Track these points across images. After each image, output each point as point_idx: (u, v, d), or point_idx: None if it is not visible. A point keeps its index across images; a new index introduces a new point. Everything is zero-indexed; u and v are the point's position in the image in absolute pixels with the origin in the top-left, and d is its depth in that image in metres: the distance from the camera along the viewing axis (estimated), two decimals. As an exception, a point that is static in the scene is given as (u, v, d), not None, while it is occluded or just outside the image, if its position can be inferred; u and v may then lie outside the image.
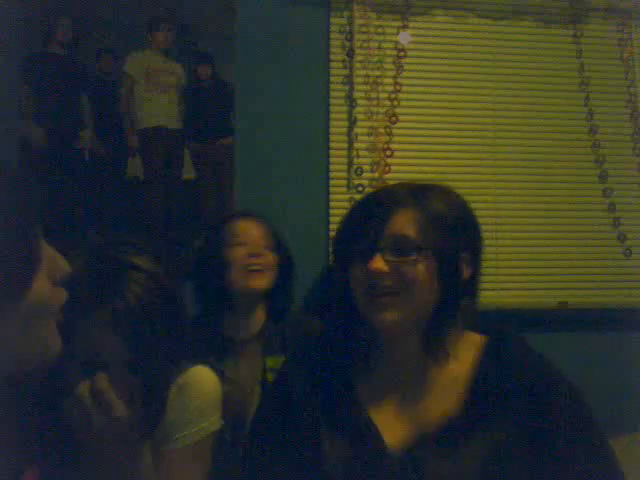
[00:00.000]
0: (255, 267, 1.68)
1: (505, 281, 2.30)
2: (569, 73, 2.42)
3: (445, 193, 1.03)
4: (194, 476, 1.03)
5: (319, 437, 0.95)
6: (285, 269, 1.79)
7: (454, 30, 2.37)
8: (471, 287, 1.02)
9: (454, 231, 0.98)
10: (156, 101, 3.75)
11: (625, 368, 2.21)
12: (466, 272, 1.00)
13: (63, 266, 0.70)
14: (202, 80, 3.95)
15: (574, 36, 2.42)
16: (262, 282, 1.69)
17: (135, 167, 3.80)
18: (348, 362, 1.04)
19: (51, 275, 0.68)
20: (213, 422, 1.09)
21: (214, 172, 3.93)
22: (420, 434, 0.92)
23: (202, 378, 1.10)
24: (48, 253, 0.69)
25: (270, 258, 1.73)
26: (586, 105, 2.41)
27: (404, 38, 2.32)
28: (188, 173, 4.11)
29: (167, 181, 3.77)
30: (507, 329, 1.04)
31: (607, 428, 0.96)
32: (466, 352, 1.00)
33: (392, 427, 0.95)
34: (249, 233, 1.73)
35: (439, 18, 2.37)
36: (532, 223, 2.34)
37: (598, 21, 2.44)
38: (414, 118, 2.32)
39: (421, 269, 0.94)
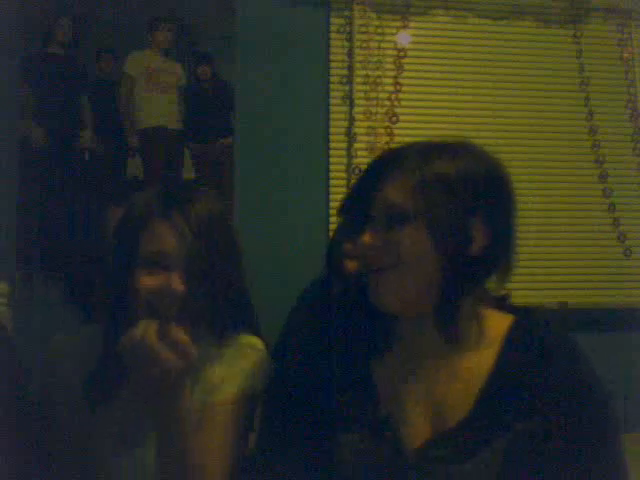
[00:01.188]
0: None
1: (505, 281, 2.29)
2: (569, 73, 2.42)
3: (456, 150, 0.88)
4: (232, 436, 1.02)
5: (332, 427, 0.88)
6: None
7: (454, 30, 2.37)
8: (491, 260, 0.87)
9: (456, 194, 0.84)
10: (156, 101, 3.75)
11: (625, 368, 2.21)
12: (478, 242, 0.85)
13: None
14: (202, 80, 3.95)
15: (574, 36, 2.42)
16: None
17: (135, 167, 3.80)
18: (364, 342, 0.94)
19: None
20: (257, 388, 1.07)
21: (214, 172, 3.92)
22: (438, 430, 0.85)
23: (255, 344, 1.11)
24: None
25: None
26: (586, 105, 2.41)
27: (403, 39, 2.32)
28: (188, 173, 4.11)
29: (167, 181, 3.77)
30: (535, 310, 0.94)
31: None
32: (489, 335, 0.89)
33: (409, 421, 0.87)
34: None
35: (439, 18, 2.37)
36: (532, 223, 2.34)
37: (598, 21, 2.44)
38: (414, 118, 2.32)
39: (412, 241, 0.83)
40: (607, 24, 2.45)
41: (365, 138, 2.28)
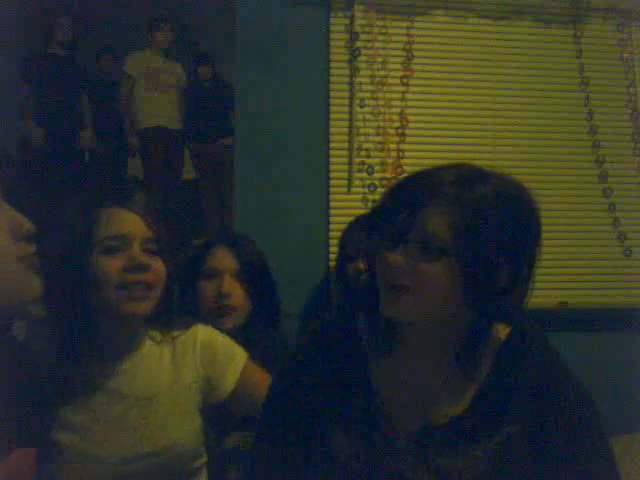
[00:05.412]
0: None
1: (505, 281, 2.29)
2: (569, 73, 2.41)
3: (497, 184, 0.91)
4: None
5: (330, 420, 0.94)
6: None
7: (454, 30, 2.37)
8: (509, 290, 0.92)
9: (495, 234, 0.87)
10: (156, 101, 3.75)
11: (625, 368, 2.21)
12: (502, 280, 0.90)
13: (25, 226, 0.81)
14: (202, 80, 3.95)
15: (574, 36, 2.42)
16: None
17: (135, 167, 3.80)
18: (364, 342, 0.99)
19: (12, 231, 0.80)
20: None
21: (214, 172, 3.93)
22: (429, 425, 0.91)
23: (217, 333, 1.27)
24: (8, 213, 0.81)
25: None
26: (586, 105, 2.41)
27: (407, 39, 2.32)
28: (188, 173, 4.11)
29: (167, 181, 3.77)
30: (530, 324, 0.99)
31: (607, 428, 0.96)
32: (489, 346, 0.95)
33: (402, 414, 0.93)
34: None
35: (439, 18, 2.36)
36: (532, 223, 2.34)
37: (598, 21, 2.44)
38: (413, 118, 2.32)
39: (443, 273, 0.86)
40: (607, 24, 2.44)
41: (363, 139, 2.28)
